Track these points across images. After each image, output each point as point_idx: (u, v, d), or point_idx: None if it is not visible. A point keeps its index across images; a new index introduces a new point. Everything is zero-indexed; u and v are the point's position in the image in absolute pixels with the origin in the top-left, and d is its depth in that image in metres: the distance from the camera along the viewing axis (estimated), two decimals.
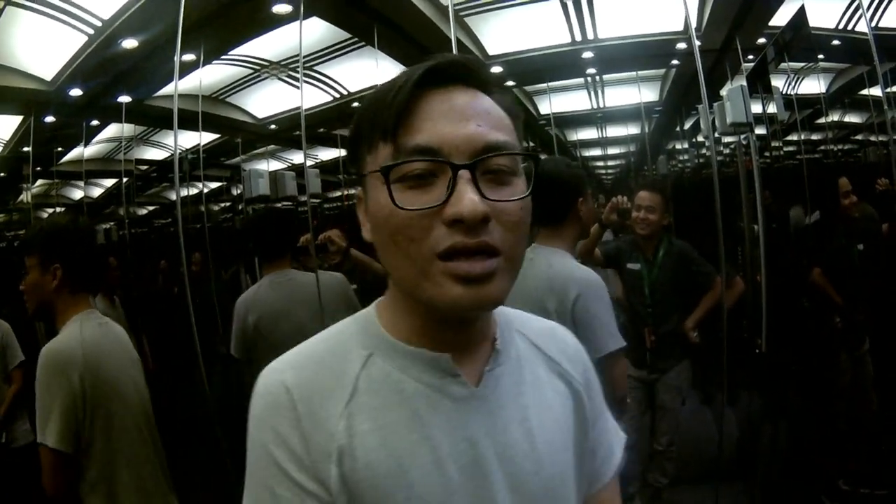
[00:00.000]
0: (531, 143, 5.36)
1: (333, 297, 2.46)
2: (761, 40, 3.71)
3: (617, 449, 0.75)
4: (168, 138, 4.41)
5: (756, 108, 3.09)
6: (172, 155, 3.21)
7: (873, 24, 3.74)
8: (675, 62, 4.40)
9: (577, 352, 0.74)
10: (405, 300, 0.61)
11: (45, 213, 4.58)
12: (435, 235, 0.54)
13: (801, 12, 2.92)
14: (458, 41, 2.63)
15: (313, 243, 2.67)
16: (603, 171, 6.51)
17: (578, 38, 4.12)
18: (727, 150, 4.58)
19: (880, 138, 3.92)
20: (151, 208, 4.89)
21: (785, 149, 4.15)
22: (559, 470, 0.64)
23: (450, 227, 0.54)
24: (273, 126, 4.84)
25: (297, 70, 3.46)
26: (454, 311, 0.57)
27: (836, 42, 3.85)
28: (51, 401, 1.46)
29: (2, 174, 4.65)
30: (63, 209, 4.61)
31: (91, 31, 3.53)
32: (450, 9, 2.34)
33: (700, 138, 5.12)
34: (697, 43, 2.60)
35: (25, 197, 4.48)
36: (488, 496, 0.58)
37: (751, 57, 3.55)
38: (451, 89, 0.58)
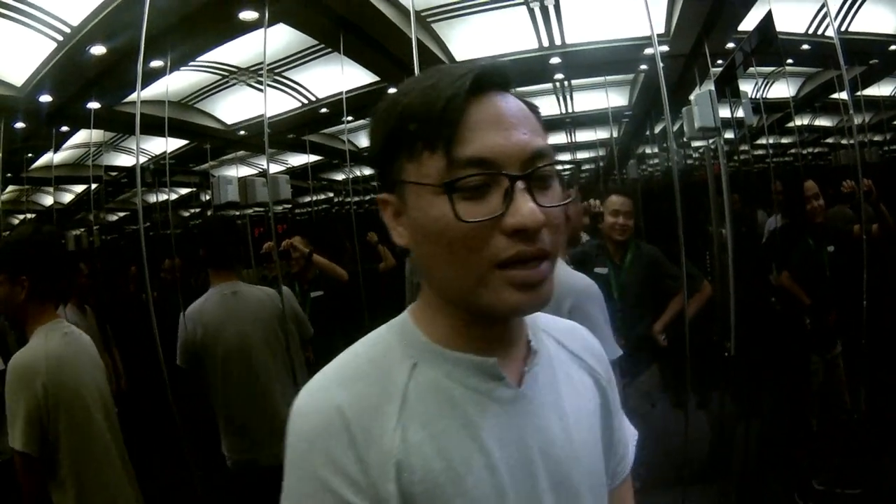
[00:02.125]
0: None
1: (270, 311, 2.51)
2: (730, 45, 3.74)
3: (631, 445, 0.77)
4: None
5: (724, 112, 3.11)
6: (143, 161, 3.20)
7: (842, 28, 3.78)
8: (643, 67, 4.44)
9: (599, 349, 0.76)
10: (446, 306, 0.61)
11: (17, 220, 4.55)
12: (494, 245, 0.55)
13: (769, 17, 2.94)
14: (422, 45, 2.64)
15: (276, 250, 2.67)
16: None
17: (546, 43, 4.14)
18: (696, 155, 4.62)
19: (850, 141, 3.96)
20: (122, 214, 4.85)
21: (754, 153, 4.18)
22: (594, 464, 0.67)
23: (510, 236, 0.55)
24: (242, 132, 4.83)
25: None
26: (512, 316, 0.60)
27: (805, 46, 3.90)
28: (17, 407, 1.59)
29: None
30: (34, 215, 4.57)
31: (60, 38, 3.50)
32: (411, 12, 2.35)
33: None
34: (663, 49, 2.63)
35: None
36: (535, 494, 0.59)
37: (720, 62, 3.58)
38: (489, 95, 0.58)
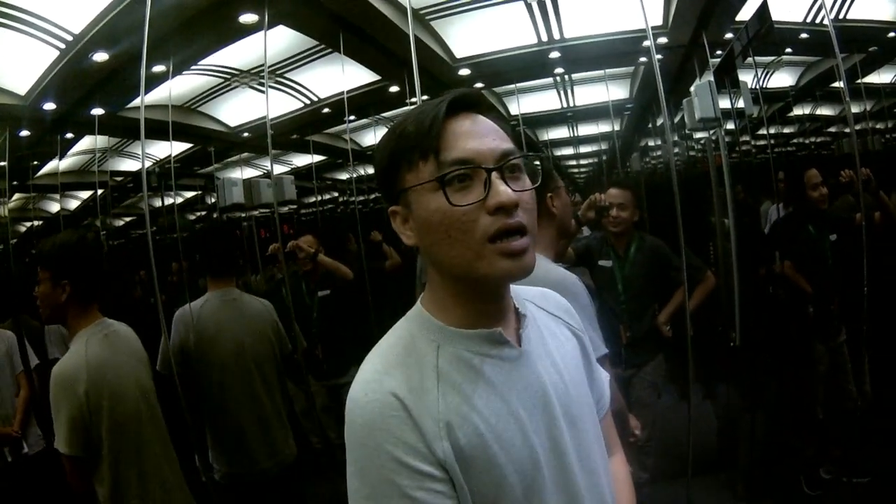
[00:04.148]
0: None
1: (266, 322, 2.48)
2: (728, 35, 3.73)
3: (607, 384, 0.98)
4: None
5: (724, 103, 3.11)
6: (148, 165, 3.23)
7: (840, 16, 3.78)
8: (642, 59, 4.43)
9: (568, 307, 0.96)
10: (452, 291, 0.78)
11: (23, 227, 4.58)
12: (483, 223, 0.72)
13: (764, 6, 2.94)
14: (419, 41, 2.64)
15: (282, 251, 2.68)
16: (575, 170, 6.53)
17: (545, 38, 4.13)
18: (698, 146, 4.61)
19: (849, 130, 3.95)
20: (128, 219, 4.88)
21: (756, 143, 4.17)
22: (585, 397, 0.87)
23: (493, 214, 0.72)
24: (246, 134, 4.84)
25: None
26: (505, 281, 0.77)
27: (803, 35, 3.89)
28: (60, 414, 1.69)
29: None
30: (42, 222, 4.60)
31: (62, 46, 3.51)
32: (408, 10, 2.37)
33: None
34: (662, 40, 2.63)
35: (2, 211, 4.45)
36: (552, 424, 0.78)
37: (719, 52, 3.57)
38: (465, 114, 0.77)
